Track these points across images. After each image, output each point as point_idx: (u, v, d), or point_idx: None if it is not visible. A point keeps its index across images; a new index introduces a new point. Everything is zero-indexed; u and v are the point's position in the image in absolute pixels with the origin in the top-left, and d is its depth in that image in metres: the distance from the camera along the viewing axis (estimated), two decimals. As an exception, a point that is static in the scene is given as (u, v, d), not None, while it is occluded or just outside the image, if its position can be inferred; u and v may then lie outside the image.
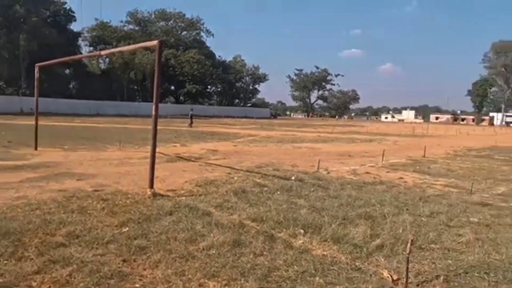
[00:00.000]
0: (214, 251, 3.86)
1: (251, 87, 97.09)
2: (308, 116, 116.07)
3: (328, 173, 9.41)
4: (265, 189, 7.00)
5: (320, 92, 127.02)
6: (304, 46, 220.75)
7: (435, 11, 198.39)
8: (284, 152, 14.21)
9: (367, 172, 9.76)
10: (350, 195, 6.62)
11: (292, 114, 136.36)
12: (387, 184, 8.09)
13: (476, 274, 3.54)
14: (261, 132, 26.47)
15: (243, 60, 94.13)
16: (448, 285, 3.34)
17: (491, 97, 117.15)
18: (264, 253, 3.89)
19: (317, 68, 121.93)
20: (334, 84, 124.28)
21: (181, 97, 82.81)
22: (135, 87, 77.17)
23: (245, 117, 67.91)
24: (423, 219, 5.36)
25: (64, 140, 14.92)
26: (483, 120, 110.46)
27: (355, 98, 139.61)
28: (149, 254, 3.75)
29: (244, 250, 3.92)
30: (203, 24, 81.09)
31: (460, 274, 3.54)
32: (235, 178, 8.09)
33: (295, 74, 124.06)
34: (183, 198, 6.16)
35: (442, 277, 3.45)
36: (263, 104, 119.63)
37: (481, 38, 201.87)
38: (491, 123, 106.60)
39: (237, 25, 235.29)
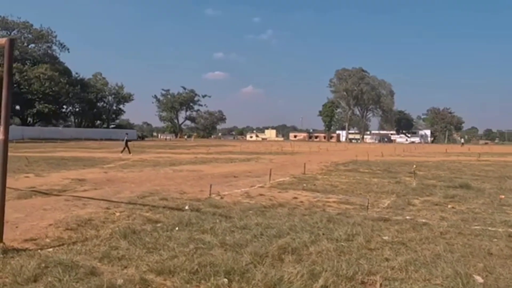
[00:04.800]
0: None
1: (115, 107, 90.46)
2: (176, 137, 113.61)
3: (221, 198, 8.63)
4: (159, 225, 5.81)
5: (188, 112, 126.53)
6: (169, 66, 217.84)
7: (288, 40, 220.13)
8: (165, 176, 12.90)
9: (261, 194, 9.32)
10: (258, 224, 5.95)
11: (160, 135, 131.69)
12: (287, 206, 7.72)
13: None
14: (132, 155, 24.18)
15: (104, 78, 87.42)
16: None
17: (337, 116, 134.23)
18: (189, 324, 2.84)
19: (184, 88, 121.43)
20: (201, 105, 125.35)
21: (30, 118, 71.99)
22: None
23: (110, 139, 62.56)
24: (342, 244, 4.98)
25: None
26: (332, 137, 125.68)
27: (222, 119, 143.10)
28: None
29: (160, 326, 2.80)
30: (55, 36, 72.55)
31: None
32: (117, 214, 6.63)
33: (162, 95, 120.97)
34: (51, 250, 4.56)
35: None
36: (128, 125, 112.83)
37: (328, 65, 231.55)
38: (338, 139, 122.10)
39: (99, 43, 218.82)
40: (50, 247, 4.69)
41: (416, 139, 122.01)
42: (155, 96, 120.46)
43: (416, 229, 5.89)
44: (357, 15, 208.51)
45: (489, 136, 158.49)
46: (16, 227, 5.67)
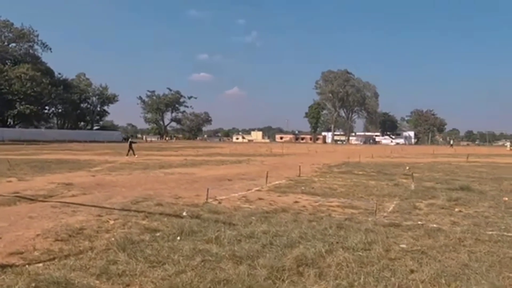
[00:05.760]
0: None
1: (99, 109, 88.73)
2: (162, 138, 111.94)
3: (219, 203, 8.21)
4: (158, 234, 5.36)
5: (174, 114, 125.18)
6: (153, 67, 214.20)
7: (273, 41, 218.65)
8: (156, 180, 12.37)
9: (260, 198, 8.92)
10: (265, 232, 5.55)
11: (144, 137, 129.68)
12: (290, 211, 7.35)
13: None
14: (119, 157, 23.46)
15: (88, 79, 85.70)
16: None
17: (323, 118, 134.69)
18: None
19: (170, 90, 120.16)
20: (187, 106, 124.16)
21: (10, 120, 69.90)
22: None
23: (94, 141, 61.24)
24: (360, 253, 4.64)
25: None
26: (318, 138, 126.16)
27: (207, 120, 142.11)
28: None
29: None
30: (37, 35, 70.71)
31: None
32: (111, 222, 6.14)
33: (147, 96, 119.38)
34: (40, 266, 4.08)
35: None
36: (112, 127, 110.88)
37: (314, 67, 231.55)
38: (324, 141, 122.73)
39: (82, 43, 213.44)
40: (40, 262, 4.21)
41: (401, 141, 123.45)
42: (140, 97, 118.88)
43: (431, 236, 5.59)
44: (343, 16, 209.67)
45: (470, 137, 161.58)
46: (1, 238, 5.15)
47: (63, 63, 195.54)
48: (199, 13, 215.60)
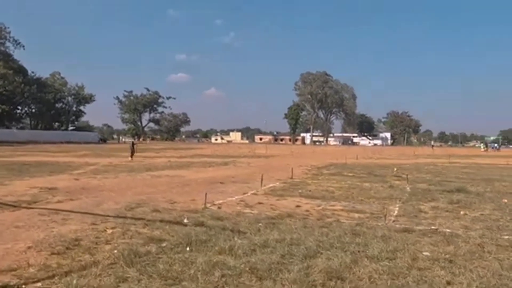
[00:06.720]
0: None
1: (74, 109, 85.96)
2: (139, 139, 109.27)
3: (219, 208, 7.82)
4: (165, 245, 4.93)
5: (152, 114, 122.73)
6: (130, 67, 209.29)
7: (251, 42, 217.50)
8: (145, 183, 11.82)
9: (259, 203, 8.58)
10: (280, 240, 5.22)
11: (121, 138, 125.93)
12: (295, 216, 7.05)
13: None
14: (99, 159, 22.57)
15: (63, 78, 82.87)
16: None
17: (301, 119, 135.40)
18: None
19: (148, 90, 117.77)
20: (166, 107, 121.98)
21: (-21, 120, 66.83)
22: None
23: (69, 142, 59.21)
24: (387, 263, 4.36)
25: None
26: (297, 139, 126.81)
27: (186, 121, 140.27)
28: None
29: None
30: (9, 32, 67.73)
31: None
32: (109, 231, 5.65)
33: (124, 96, 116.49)
34: (39, 286, 3.60)
35: None
36: (87, 127, 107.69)
37: (293, 68, 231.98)
38: (303, 142, 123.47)
39: (57, 40, 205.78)
40: (38, 281, 3.72)
41: (378, 142, 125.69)
42: (117, 98, 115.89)
43: (450, 242, 5.38)
44: (322, 17, 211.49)
45: (443, 138, 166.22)
46: (-14, 252, 4.60)
47: (37, 62, 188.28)
48: (176, 13, 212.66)
